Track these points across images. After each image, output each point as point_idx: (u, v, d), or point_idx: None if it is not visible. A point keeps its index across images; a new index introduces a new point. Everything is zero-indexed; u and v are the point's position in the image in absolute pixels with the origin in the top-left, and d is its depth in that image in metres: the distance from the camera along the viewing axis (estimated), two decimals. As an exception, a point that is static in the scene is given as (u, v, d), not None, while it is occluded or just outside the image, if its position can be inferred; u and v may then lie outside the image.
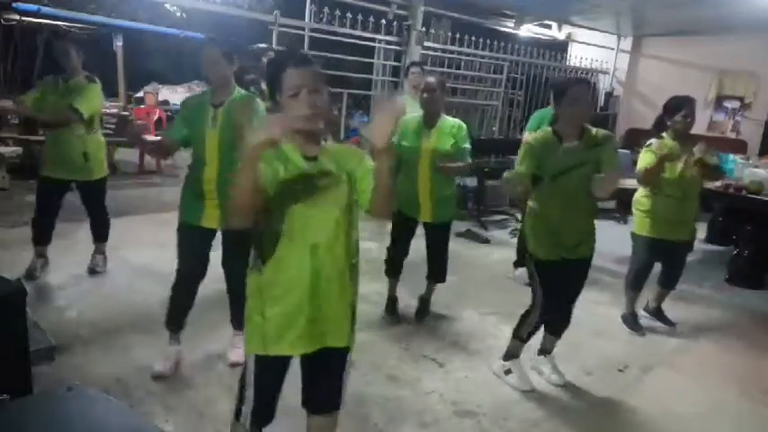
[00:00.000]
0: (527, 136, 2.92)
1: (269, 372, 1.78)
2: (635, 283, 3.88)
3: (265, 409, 1.82)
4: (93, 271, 4.15)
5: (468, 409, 2.79)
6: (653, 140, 3.64)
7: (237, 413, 1.82)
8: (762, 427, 2.89)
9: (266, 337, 1.72)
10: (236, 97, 2.74)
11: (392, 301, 3.83)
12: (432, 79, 3.47)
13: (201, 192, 2.77)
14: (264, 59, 4.07)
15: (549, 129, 2.87)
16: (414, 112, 4.43)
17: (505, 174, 2.83)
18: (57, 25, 8.91)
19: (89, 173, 3.95)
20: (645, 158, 3.58)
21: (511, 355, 3.08)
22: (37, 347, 2.73)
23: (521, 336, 3.03)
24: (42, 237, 4.00)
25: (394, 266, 3.76)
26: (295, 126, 1.60)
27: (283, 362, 1.79)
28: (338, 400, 1.90)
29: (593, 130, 2.80)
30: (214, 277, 4.05)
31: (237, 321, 3.03)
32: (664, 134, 3.65)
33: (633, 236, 3.85)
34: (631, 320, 3.90)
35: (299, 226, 1.67)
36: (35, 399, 1.71)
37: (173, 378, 2.83)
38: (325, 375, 1.87)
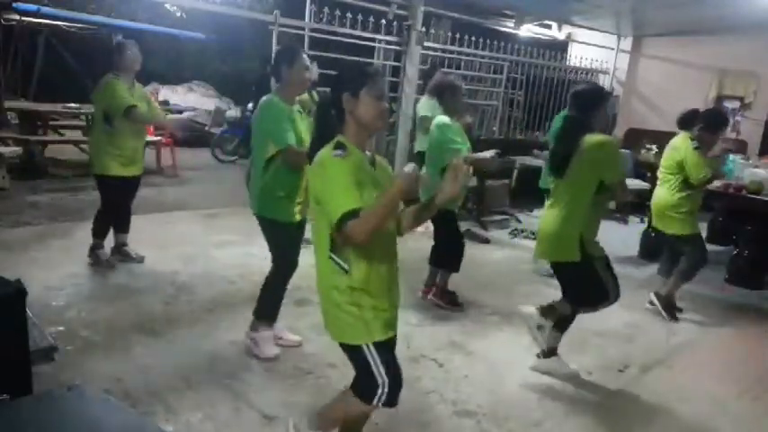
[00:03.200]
0: (606, 138, 2.90)
1: (387, 350, 1.97)
2: (693, 275, 4.09)
3: (398, 384, 1.99)
4: (138, 258, 4.32)
5: (468, 409, 2.79)
6: (695, 143, 3.81)
7: (369, 397, 1.96)
8: (762, 426, 2.89)
9: (370, 324, 1.91)
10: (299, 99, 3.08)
11: (452, 293, 4.05)
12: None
13: (296, 193, 2.97)
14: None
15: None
16: (432, 112, 4.52)
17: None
18: (57, 25, 8.92)
19: (142, 167, 4.27)
20: (703, 162, 3.76)
21: (552, 350, 3.14)
22: (37, 347, 2.73)
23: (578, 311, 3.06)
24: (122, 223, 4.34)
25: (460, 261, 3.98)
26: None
27: (391, 343, 2.00)
28: None
29: None
30: (215, 279, 4.05)
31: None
32: (690, 135, 3.86)
33: (685, 238, 3.99)
34: (670, 308, 4.09)
35: None
36: (35, 399, 1.71)
37: (173, 378, 2.83)
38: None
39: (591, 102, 2.85)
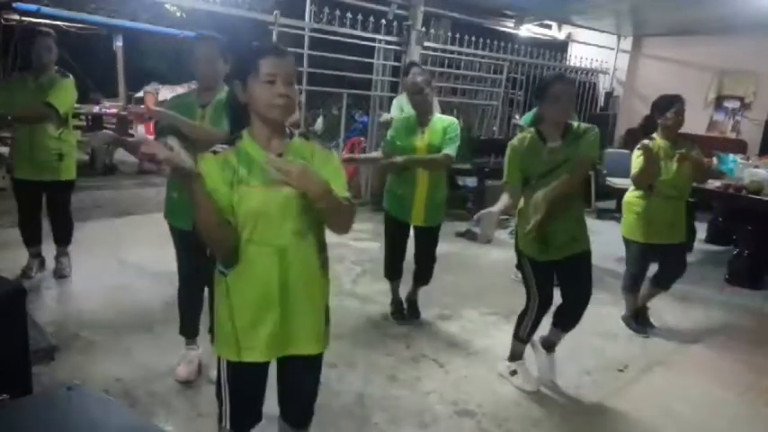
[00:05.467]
0: (512, 141, 2.89)
1: (243, 377, 1.76)
2: (632, 286, 3.87)
3: (244, 412, 1.79)
4: (61, 275, 4.00)
5: (468, 409, 2.79)
6: (645, 141, 3.58)
7: (219, 417, 1.81)
8: (761, 426, 2.89)
9: (238, 343, 1.69)
10: (222, 97, 2.56)
11: (398, 304, 3.82)
12: (419, 79, 3.40)
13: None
14: None
15: (533, 129, 2.82)
16: (397, 111, 4.42)
17: (503, 197, 2.79)
18: (57, 25, 8.90)
19: (59, 173, 3.84)
20: (639, 160, 3.54)
21: (515, 356, 3.08)
22: (37, 347, 2.73)
23: (521, 337, 3.03)
24: (32, 238, 3.98)
25: (395, 272, 3.76)
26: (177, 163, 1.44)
27: (258, 367, 1.75)
28: (309, 417, 1.93)
29: (576, 124, 2.78)
30: (214, 277, 4.02)
31: None
32: (654, 135, 3.64)
33: (625, 240, 3.81)
34: (633, 322, 3.90)
35: (264, 229, 1.63)
36: (35, 399, 1.71)
37: (172, 378, 2.83)
38: (298, 385, 1.87)
39: (537, 93, 2.80)
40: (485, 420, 2.71)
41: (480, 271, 4.99)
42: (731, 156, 5.61)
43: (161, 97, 11.11)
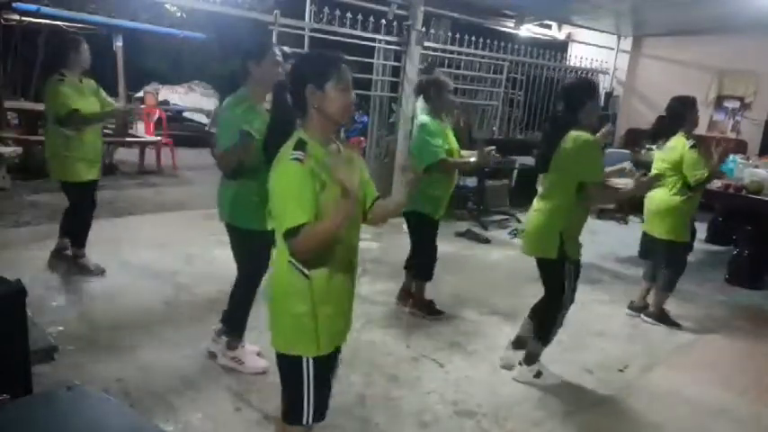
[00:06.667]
0: (588, 136, 2.77)
1: (326, 368, 1.88)
2: (674, 285, 3.94)
3: (325, 403, 1.91)
4: (95, 268, 4.07)
5: (468, 409, 2.79)
6: (691, 141, 3.64)
7: (296, 418, 1.84)
8: (762, 427, 2.89)
9: (320, 336, 1.80)
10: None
11: (430, 302, 3.88)
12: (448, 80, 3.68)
13: (266, 197, 2.76)
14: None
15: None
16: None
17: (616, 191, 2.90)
18: (57, 25, 8.91)
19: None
20: (700, 161, 3.58)
21: (533, 358, 3.04)
22: (37, 347, 2.73)
23: (549, 339, 3.01)
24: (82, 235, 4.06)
25: (433, 269, 3.83)
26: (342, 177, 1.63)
27: (334, 355, 1.91)
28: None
29: None
30: (215, 279, 4.05)
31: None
32: (684, 134, 3.70)
33: (674, 245, 3.78)
34: (666, 318, 3.94)
35: (347, 229, 1.75)
36: (35, 399, 1.72)
37: (172, 378, 2.83)
38: (335, 371, 2.00)
39: (578, 97, 2.78)
40: (485, 420, 2.71)
41: (480, 271, 4.99)
42: (731, 156, 5.61)
43: (161, 97, 11.14)
